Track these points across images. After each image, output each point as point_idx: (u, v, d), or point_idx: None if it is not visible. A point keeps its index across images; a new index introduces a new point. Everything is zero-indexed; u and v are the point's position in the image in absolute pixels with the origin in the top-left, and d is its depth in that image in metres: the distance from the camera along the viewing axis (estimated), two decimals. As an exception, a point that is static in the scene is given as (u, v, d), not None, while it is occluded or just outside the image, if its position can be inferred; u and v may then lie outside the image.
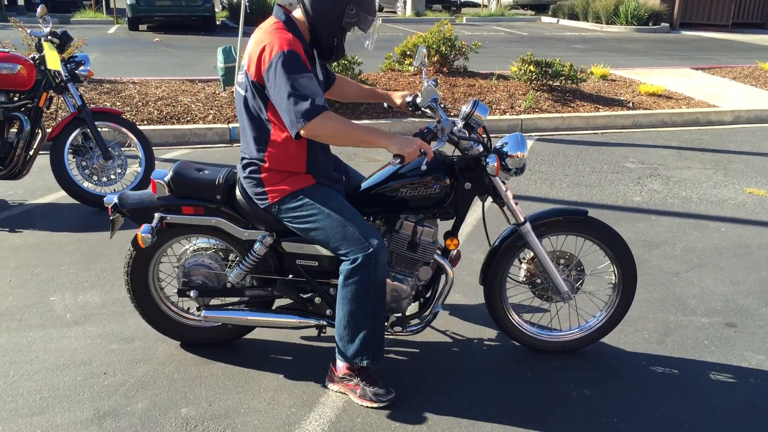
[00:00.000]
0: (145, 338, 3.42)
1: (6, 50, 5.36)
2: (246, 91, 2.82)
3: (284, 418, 2.88)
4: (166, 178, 3.04)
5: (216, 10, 19.05)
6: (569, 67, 9.11)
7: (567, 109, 8.63)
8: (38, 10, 5.22)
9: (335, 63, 8.18)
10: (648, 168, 6.65)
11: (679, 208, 5.54)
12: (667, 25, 20.47)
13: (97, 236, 4.68)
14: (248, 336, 3.44)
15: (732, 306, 3.93)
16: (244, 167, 2.93)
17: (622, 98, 9.25)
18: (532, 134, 7.97)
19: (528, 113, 8.39)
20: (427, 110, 3.02)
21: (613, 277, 3.35)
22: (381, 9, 26.43)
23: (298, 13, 2.84)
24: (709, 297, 4.03)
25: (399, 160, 2.68)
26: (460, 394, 3.07)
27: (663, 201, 5.71)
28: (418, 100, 3.03)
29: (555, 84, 9.24)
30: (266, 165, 2.86)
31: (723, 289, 4.14)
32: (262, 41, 2.73)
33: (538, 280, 3.32)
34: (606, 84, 10.08)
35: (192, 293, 3.17)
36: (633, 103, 9.01)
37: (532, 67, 9.07)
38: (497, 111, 8.42)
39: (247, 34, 8.82)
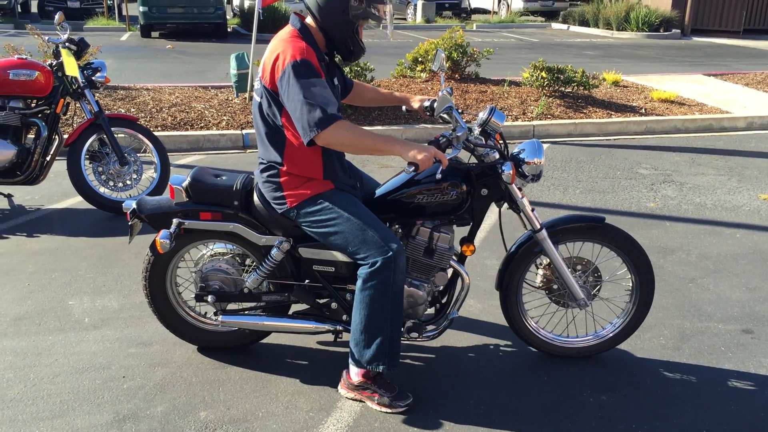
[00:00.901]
0: (163, 342, 3.44)
1: (24, 57, 5.42)
2: (261, 98, 2.86)
3: (302, 423, 2.89)
4: (184, 184, 3.06)
5: (227, 17, 19.15)
6: (581, 73, 9.11)
7: (579, 115, 8.63)
8: (56, 17, 5.28)
9: (347, 69, 8.22)
10: (661, 174, 6.64)
11: (693, 215, 5.52)
12: (678, 31, 20.43)
13: (114, 241, 4.72)
14: (265, 341, 3.46)
15: (748, 312, 3.91)
16: (263, 171, 2.95)
17: (634, 104, 9.23)
18: (545, 140, 7.97)
19: (540, 119, 8.39)
20: (445, 116, 3.03)
21: (630, 285, 3.34)
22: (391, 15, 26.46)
23: (309, 20, 2.87)
24: (725, 303, 4.02)
25: (413, 168, 2.68)
26: (477, 400, 3.08)
27: (677, 207, 5.70)
28: (443, 115, 3.03)
29: (567, 90, 9.24)
30: (284, 169, 2.88)
31: (739, 295, 4.13)
32: (276, 49, 2.77)
33: (555, 286, 3.32)
34: (618, 90, 10.07)
35: (209, 298, 3.19)
36: (645, 110, 8.99)
37: (543, 74, 9.07)
38: (509, 117, 8.42)
39: (259, 41, 8.90)
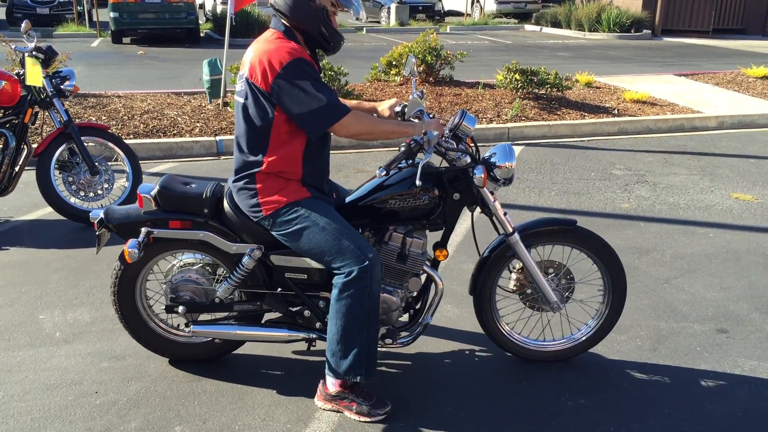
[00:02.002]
0: (136, 355, 3.38)
1: (-10, 66, 5.32)
2: (246, 99, 2.82)
3: (279, 435, 2.86)
4: (153, 192, 3.01)
5: (200, 22, 19.01)
6: (554, 75, 9.17)
7: (553, 117, 8.68)
8: (23, 25, 5.18)
9: (321, 74, 8.18)
10: (635, 174, 6.69)
11: (667, 215, 5.57)
12: (649, 31, 20.66)
13: (85, 252, 4.64)
14: (240, 351, 3.41)
15: (723, 312, 3.94)
16: (238, 180, 2.91)
17: (607, 105, 9.31)
18: (519, 142, 8.00)
19: (514, 121, 8.42)
20: (416, 120, 3.01)
21: (603, 287, 3.35)
22: (365, 19, 26.48)
23: (284, 21, 2.85)
24: (700, 303, 4.05)
25: (384, 171, 2.71)
26: (456, 407, 3.06)
27: (651, 207, 5.74)
28: (414, 119, 3.03)
29: (541, 92, 9.29)
30: (263, 170, 2.84)
31: (713, 295, 4.16)
32: (266, 50, 2.75)
33: (528, 290, 3.32)
34: (591, 91, 10.15)
35: (180, 309, 3.14)
36: (618, 110, 9.07)
37: (517, 76, 9.12)
38: (484, 120, 8.45)
39: (232, 45, 8.83)
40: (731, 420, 2.99)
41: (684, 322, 3.83)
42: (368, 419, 2.93)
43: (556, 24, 22.59)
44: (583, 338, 3.40)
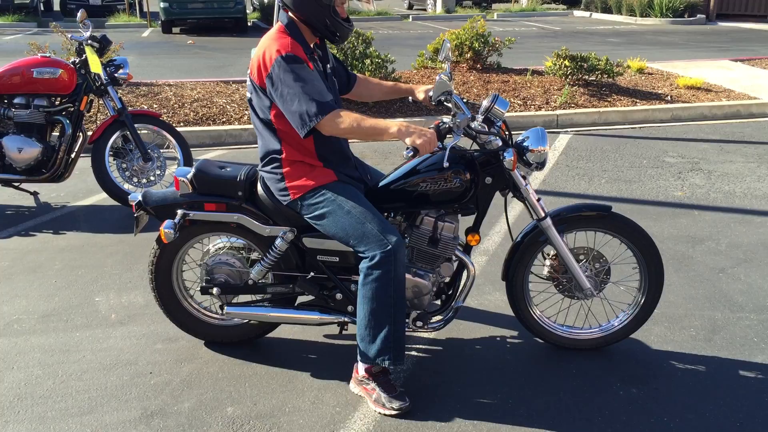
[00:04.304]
0: (189, 338, 3.44)
1: (47, 55, 5.46)
2: (251, 94, 2.91)
3: (329, 418, 2.88)
4: (189, 176, 3.08)
5: (247, 11, 19.17)
6: (605, 61, 8.99)
7: (603, 103, 8.52)
8: (78, 15, 5.30)
9: (368, 62, 8.18)
10: (689, 162, 6.53)
11: (722, 203, 5.42)
12: (703, 16, 20.09)
13: (139, 237, 4.68)
14: (290, 336, 3.45)
15: (781, 302, 3.83)
16: (266, 164, 2.97)
17: (659, 92, 9.09)
18: (568, 129, 7.88)
19: (563, 108, 8.29)
20: (449, 104, 2.97)
21: (639, 275, 3.28)
22: (411, 6, 26.35)
23: (291, 14, 2.88)
24: (757, 293, 3.93)
25: (412, 152, 2.67)
26: (504, 394, 3.04)
27: (705, 196, 5.59)
28: (441, 98, 2.99)
29: (591, 78, 9.12)
30: (285, 156, 2.90)
31: (771, 285, 4.04)
32: (263, 46, 2.82)
33: (562, 278, 3.27)
34: (643, 77, 9.92)
35: (215, 290, 3.20)
36: (671, 97, 8.85)
37: (567, 62, 8.96)
38: (532, 107, 8.34)
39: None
40: (790, 413, 2.91)
41: (740, 312, 3.73)
42: (382, 410, 2.90)
43: (606, 9, 22.14)
44: (619, 327, 3.33)
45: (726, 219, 5.09)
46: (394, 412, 2.89)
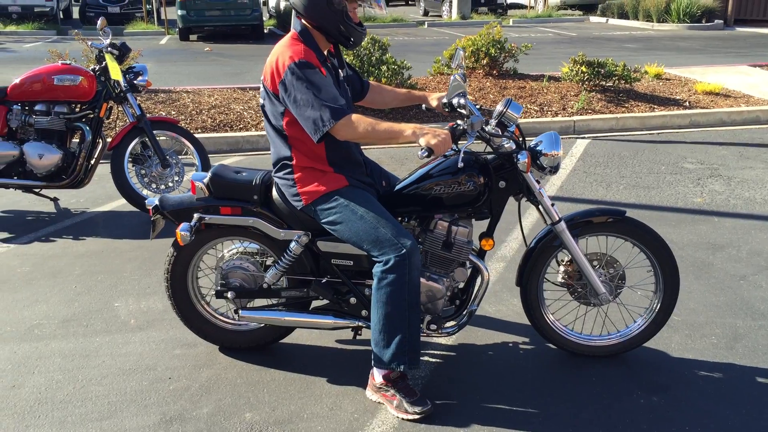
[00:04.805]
0: (207, 343, 3.45)
1: (68, 62, 5.52)
2: (264, 100, 2.93)
3: (347, 424, 2.88)
4: (205, 180, 3.11)
5: (263, 18, 19.29)
6: (622, 66, 8.94)
7: (621, 109, 8.47)
8: (99, 22, 5.36)
9: (384, 68, 8.20)
10: (708, 168, 6.47)
11: (742, 209, 5.37)
12: (721, 22, 19.95)
13: (157, 243, 4.75)
14: (307, 342, 3.46)
15: (804, 310, 3.78)
16: (278, 170, 2.99)
17: (677, 97, 9.03)
18: (586, 135, 7.84)
19: (581, 114, 8.26)
20: (462, 110, 2.97)
21: (654, 280, 3.25)
22: (426, 13, 26.40)
23: (304, 21, 2.89)
24: (780, 301, 3.89)
25: (427, 153, 2.67)
26: (523, 401, 3.02)
27: (725, 202, 5.54)
28: (454, 100, 3.00)
29: (608, 84, 9.08)
30: (296, 163, 2.92)
31: (794, 292, 3.99)
32: (276, 53, 2.84)
33: (577, 284, 3.25)
34: (660, 83, 9.86)
35: (229, 294, 3.21)
36: (689, 102, 8.79)
37: (584, 68, 8.92)
38: (549, 113, 8.31)
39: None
40: (815, 422, 2.87)
41: (762, 320, 3.68)
42: (405, 416, 2.89)
43: (623, 15, 22.04)
44: (634, 334, 3.31)
45: (746, 226, 5.04)
46: (417, 416, 2.88)
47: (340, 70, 3.02)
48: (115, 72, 5.11)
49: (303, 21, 2.89)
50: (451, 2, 23.86)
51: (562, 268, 3.27)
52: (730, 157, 6.89)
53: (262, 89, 2.94)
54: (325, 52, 2.95)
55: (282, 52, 2.81)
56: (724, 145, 7.35)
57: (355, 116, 2.76)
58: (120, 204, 5.49)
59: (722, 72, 10.95)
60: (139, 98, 8.18)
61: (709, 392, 3.07)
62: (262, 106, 2.96)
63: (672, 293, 3.22)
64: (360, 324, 3.15)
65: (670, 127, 8.23)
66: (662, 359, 3.34)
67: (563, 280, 3.28)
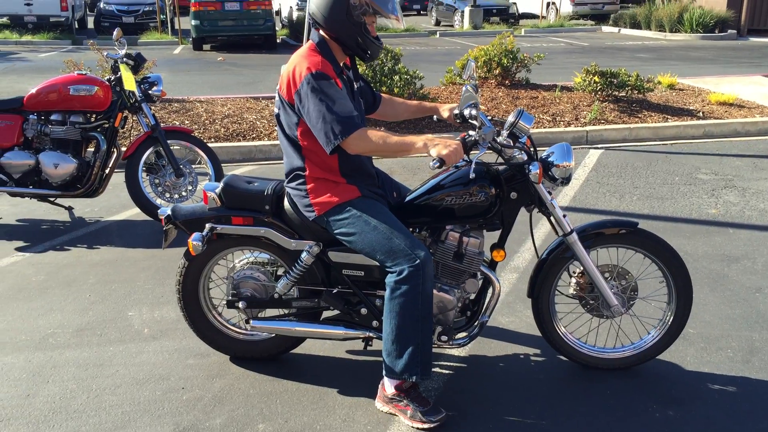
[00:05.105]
0: (220, 354, 3.45)
1: (83, 72, 5.56)
2: (279, 109, 2.94)
3: (360, 436, 2.87)
4: (217, 190, 3.12)
5: (276, 28, 19.38)
6: (635, 76, 8.92)
7: (634, 119, 8.45)
8: (114, 33, 5.41)
9: (397, 78, 8.22)
10: (722, 179, 6.43)
11: (757, 221, 5.33)
12: (734, 32, 19.87)
13: (171, 252, 4.76)
14: (319, 352, 3.46)
15: (821, 324, 3.74)
16: (291, 180, 2.99)
17: (691, 108, 9.00)
18: (598, 146, 7.82)
19: (593, 124, 8.24)
20: (473, 121, 2.97)
21: (667, 292, 3.23)
22: (438, 23, 26.45)
23: (323, 32, 2.91)
24: (796, 314, 3.85)
25: (438, 164, 2.66)
26: (537, 414, 3.01)
27: (740, 213, 5.51)
28: (466, 111, 3.00)
29: (621, 94, 9.05)
30: (309, 173, 2.93)
31: (810, 305, 3.95)
32: (294, 63, 2.85)
33: (588, 297, 3.23)
34: (674, 93, 9.83)
35: (240, 304, 3.22)
36: (703, 113, 8.75)
37: (596, 78, 8.91)
38: (561, 123, 8.30)
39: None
40: (833, 438, 2.84)
41: (779, 333, 3.65)
42: (420, 425, 2.88)
43: (635, 25, 21.99)
44: (648, 346, 3.28)
45: (762, 237, 5.00)
46: (432, 425, 2.88)
47: (355, 83, 3.03)
48: (129, 83, 5.14)
49: (321, 32, 2.90)
50: (463, 12, 23.91)
51: (573, 280, 3.25)
52: (744, 168, 6.85)
53: (277, 98, 2.96)
54: (341, 64, 2.96)
55: (299, 62, 2.83)
56: (738, 156, 7.31)
57: (366, 130, 2.76)
58: (134, 213, 5.52)
59: (736, 82, 10.90)
60: (153, 108, 8.24)
61: (725, 406, 3.04)
62: (277, 116, 2.97)
63: (685, 305, 3.20)
64: (371, 335, 3.15)
65: (683, 137, 8.19)
66: (677, 372, 3.32)
67: (575, 292, 3.27)
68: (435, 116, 3.32)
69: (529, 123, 2.95)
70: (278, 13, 24.39)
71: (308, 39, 2.99)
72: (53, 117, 5.19)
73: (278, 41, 19.21)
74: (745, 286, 4.21)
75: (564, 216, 3.05)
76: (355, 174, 2.96)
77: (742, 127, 8.39)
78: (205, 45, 18.16)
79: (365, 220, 2.85)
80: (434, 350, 2.99)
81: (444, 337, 3.10)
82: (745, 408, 3.03)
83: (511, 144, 2.96)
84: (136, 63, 5.34)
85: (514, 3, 27.21)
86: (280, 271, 3.27)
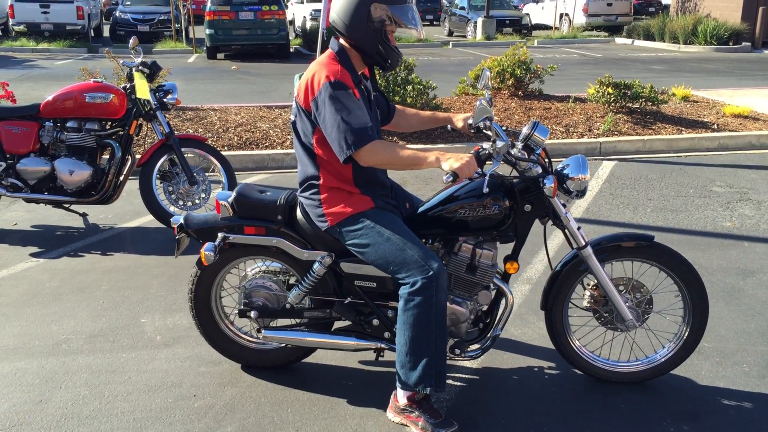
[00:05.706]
0: (232, 362, 3.45)
1: (99, 80, 5.60)
2: (296, 117, 2.95)
3: (371, 446, 2.86)
4: (230, 200, 3.12)
5: (290, 38, 19.49)
6: (649, 88, 8.89)
7: (648, 131, 8.41)
8: (131, 41, 5.45)
9: (410, 88, 8.23)
10: (737, 192, 6.39)
11: (773, 235, 5.29)
12: (749, 44, 19.78)
13: (184, 259, 4.76)
14: (330, 362, 3.45)
15: (838, 339, 3.70)
16: (304, 190, 3.00)
17: (705, 120, 8.95)
18: (612, 157, 7.79)
19: (607, 136, 8.21)
20: (488, 132, 2.96)
21: (682, 306, 3.20)
22: (451, 33, 26.49)
23: (342, 40, 2.92)
24: (813, 329, 3.81)
25: (452, 177, 2.65)
26: (550, 428, 2.98)
27: (755, 226, 5.46)
28: (481, 124, 2.98)
29: (634, 106, 9.02)
30: (323, 183, 2.93)
31: (827, 320, 3.91)
32: (313, 70, 2.86)
33: (602, 310, 3.21)
34: (688, 105, 9.78)
35: (252, 313, 3.22)
36: (718, 125, 8.70)
37: (610, 89, 8.88)
38: (574, 134, 8.28)
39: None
40: None
41: (795, 348, 3.61)
42: None
43: (648, 37, 21.94)
44: (662, 360, 3.25)
45: (777, 251, 4.96)
46: None
47: (372, 93, 3.04)
48: (142, 91, 5.16)
49: (341, 41, 2.91)
50: (475, 23, 23.94)
51: (587, 293, 3.23)
52: (759, 180, 6.80)
53: (294, 105, 2.96)
54: (360, 74, 2.96)
55: (318, 70, 2.83)
56: (753, 169, 7.26)
57: (379, 142, 2.76)
58: (147, 220, 5.54)
59: (751, 95, 10.85)
60: (168, 116, 8.29)
61: (741, 422, 3.01)
62: (293, 123, 2.98)
63: (701, 320, 3.17)
64: (382, 346, 3.14)
65: (698, 149, 8.15)
66: (692, 387, 3.28)
67: (589, 305, 3.24)
68: (449, 126, 3.32)
69: (544, 135, 2.94)
70: (292, 22, 24.50)
71: (321, 49, 2.99)
72: (69, 124, 5.23)
73: (291, 51, 19.29)
74: (761, 300, 4.17)
75: (578, 229, 3.04)
76: (369, 184, 2.96)
77: (757, 139, 8.33)
78: (219, 54, 18.27)
79: (378, 231, 2.85)
80: (447, 362, 2.97)
81: (457, 350, 3.08)
82: (761, 423, 3.00)
83: (526, 157, 2.94)
84: (152, 71, 5.37)
85: (527, 14, 27.23)
86: (292, 281, 3.27)
